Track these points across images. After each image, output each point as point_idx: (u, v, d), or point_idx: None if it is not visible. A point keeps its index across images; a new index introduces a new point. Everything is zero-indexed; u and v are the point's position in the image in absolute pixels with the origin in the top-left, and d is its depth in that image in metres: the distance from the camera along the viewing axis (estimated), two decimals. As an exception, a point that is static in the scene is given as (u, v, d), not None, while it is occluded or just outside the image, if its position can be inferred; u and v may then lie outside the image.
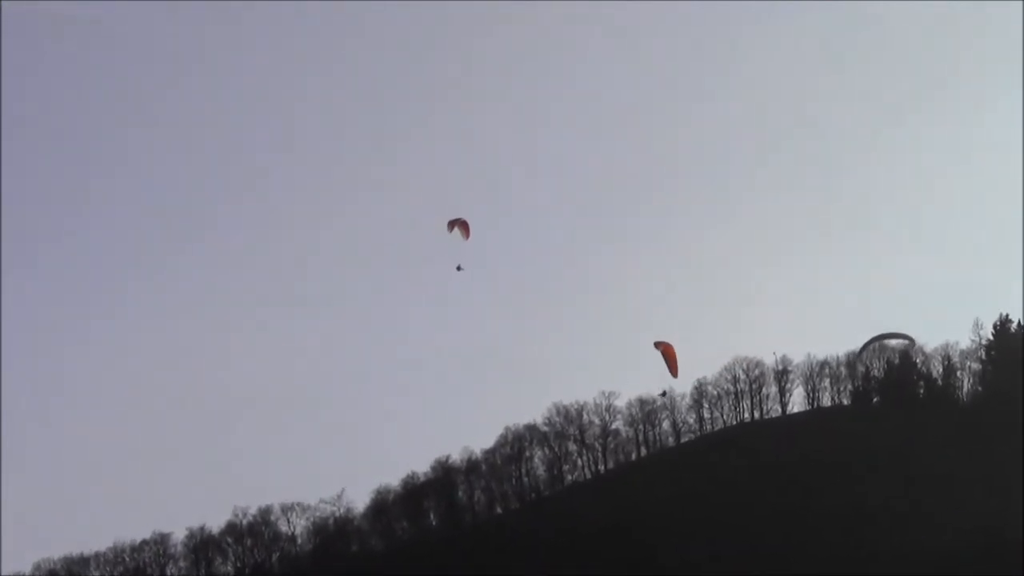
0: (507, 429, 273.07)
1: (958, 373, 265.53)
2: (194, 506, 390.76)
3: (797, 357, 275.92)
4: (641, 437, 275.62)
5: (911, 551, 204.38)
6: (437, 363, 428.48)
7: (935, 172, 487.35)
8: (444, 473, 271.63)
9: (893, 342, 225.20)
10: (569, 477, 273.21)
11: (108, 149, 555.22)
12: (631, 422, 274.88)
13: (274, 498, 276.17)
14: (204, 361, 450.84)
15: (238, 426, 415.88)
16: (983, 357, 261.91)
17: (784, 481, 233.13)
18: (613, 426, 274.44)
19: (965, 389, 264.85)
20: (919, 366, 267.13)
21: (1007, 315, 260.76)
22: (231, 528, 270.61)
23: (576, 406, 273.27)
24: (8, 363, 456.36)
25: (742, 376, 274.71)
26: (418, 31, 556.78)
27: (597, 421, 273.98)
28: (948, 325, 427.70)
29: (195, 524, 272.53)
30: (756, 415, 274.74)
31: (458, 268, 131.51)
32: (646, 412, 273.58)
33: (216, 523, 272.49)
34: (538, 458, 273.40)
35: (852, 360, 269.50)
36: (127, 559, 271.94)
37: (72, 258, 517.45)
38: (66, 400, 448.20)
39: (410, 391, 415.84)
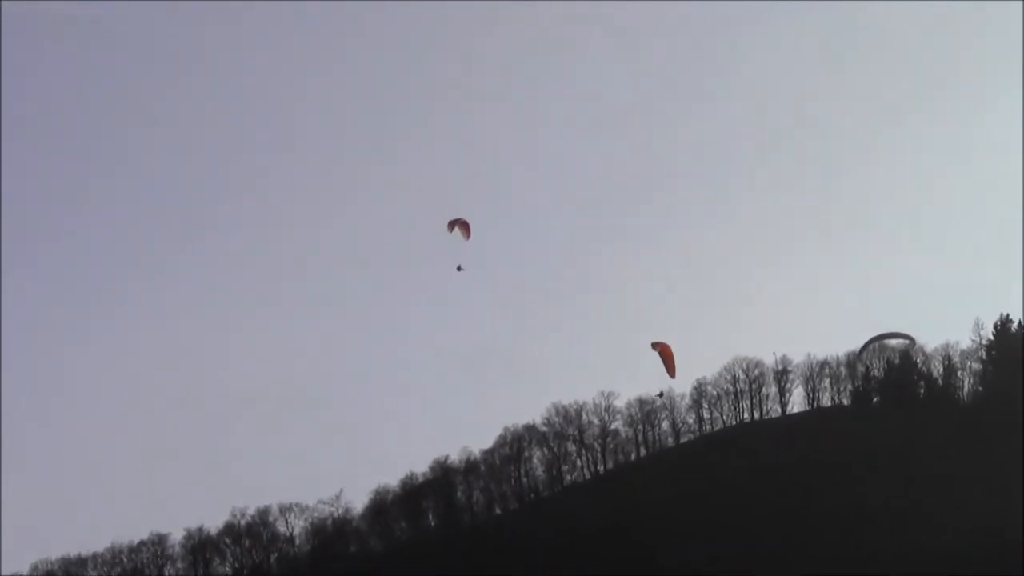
0: (506, 429, 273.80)
1: (959, 373, 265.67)
2: (192, 507, 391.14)
3: (797, 357, 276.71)
4: (640, 437, 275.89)
5: (911, 551, 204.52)
6: (436, 363, 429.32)
7: (935, 172, 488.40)
8: (443, 473, 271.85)
9: (893, 342, 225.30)
10: (568, 478, 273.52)
11: (108, 149, 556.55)
12: (630, 422, 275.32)
13: (272, 499, 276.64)
14: (202, 361, 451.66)
15: (236, 426, 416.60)
16: (983, 357, 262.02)
17: (784, 481, 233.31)
18: (612, 426, 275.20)
19: (966, 389, 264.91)
20: (919, 366, 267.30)
21: (1007, 315, 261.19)
22: (229, 529, 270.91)
23: (575, 406, 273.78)
24: (7, 363, 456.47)
25: (742, 376, 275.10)
26: (418, 31, 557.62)
27: (596, 421, 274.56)
28: (948, 325, 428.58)
29: (193, 525, 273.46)
30: (756, 415, 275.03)
31: (458, 268, 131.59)
32: (645, 412, 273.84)
33: (214, 524, 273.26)
34: (537, 458, 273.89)
35: (852, 360, 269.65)
36: (125, 560, 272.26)
37: (72, 258, 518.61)
38: (64, 400, 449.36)
39: (409, 391, 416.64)
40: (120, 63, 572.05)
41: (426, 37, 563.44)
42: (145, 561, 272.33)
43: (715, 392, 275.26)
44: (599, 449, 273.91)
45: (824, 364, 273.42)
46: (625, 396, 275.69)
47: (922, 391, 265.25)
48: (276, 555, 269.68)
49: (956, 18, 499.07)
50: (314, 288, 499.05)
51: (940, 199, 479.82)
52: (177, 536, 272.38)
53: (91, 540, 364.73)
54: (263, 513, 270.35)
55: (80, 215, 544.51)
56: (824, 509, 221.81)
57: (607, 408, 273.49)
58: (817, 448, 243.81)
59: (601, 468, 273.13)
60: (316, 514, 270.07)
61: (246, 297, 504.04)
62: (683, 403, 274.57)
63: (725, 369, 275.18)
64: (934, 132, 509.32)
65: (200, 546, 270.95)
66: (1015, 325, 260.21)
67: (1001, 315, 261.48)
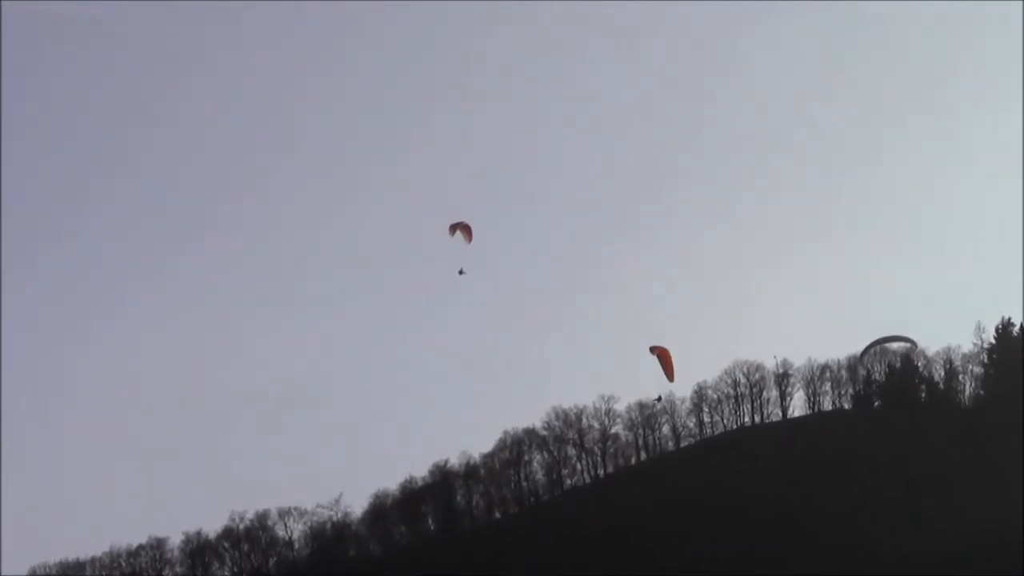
0: (506, 433, 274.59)
1: (960, 377, 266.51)
2: (191, 511, 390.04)
3: (798, 360, 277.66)
4: (641, 441, 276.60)
5: (910, 551, 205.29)
6: (435, 366, 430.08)
7: (936, 173, 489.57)
8: (442, 478, 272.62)
9: (895, 345, 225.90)
10: (568, 482, 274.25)
11: (108, 149, 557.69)
12: (631, 426, 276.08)
13: (271, 503, 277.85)
14: (200, 364, 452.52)
15: (235, 429, 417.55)
16: (985, 361, 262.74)
17: (784, 483, 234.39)
18: (612, 430, 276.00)
19: (967, 393, 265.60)
20: (921, 370, 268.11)
21: (1009, 318, 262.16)
22: (228, 533, 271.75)
23: (575, 410, 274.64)
24: (7, 363, 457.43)
25: (742, 380, 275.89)
26: (418, 31, 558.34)
27: (596, 425, 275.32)
28: (950, 328, 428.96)
29: (192, 529, 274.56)
30: (757, 419, 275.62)
31: (460, 272, 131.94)
32: (646, 416, 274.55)
33: (213, 528, 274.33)
34: (537, 462, 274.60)
35: (853, 364, 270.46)
36: (123, 564, 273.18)
37: (72, 258, 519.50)
38: (62, 402, 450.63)
39: (408, 395, 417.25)
40: (120, 63, 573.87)
41: (426, 37, 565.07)
42: (144, 565, 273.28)
43: (716, 396, 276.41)
44: (599, 453, 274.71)
45: (825, 368, 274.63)
46: (625, 400, 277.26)
47: (923, 395, 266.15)
48: (275, 559, 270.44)
49: (956, 18, 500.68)
50: (314, 290, 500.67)
51: (941, 201, 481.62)
52: (176, 540, 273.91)
53: (90, 544, 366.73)
54: (262, 517, 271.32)
55: (80, 215, 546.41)
56: (824, 510, 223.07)
57: (607, 412, 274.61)
58: (818, 451, 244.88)
59: (601, 472, 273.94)
60: (315, 518, 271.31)
61: (246, 298, 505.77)
62: (683, 407, 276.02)
63: (726, 373, 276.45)
64: (934, 132, 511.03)
65: (199, 550, 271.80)
66: (1016, 328, 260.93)
67: (1003, 318, 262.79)
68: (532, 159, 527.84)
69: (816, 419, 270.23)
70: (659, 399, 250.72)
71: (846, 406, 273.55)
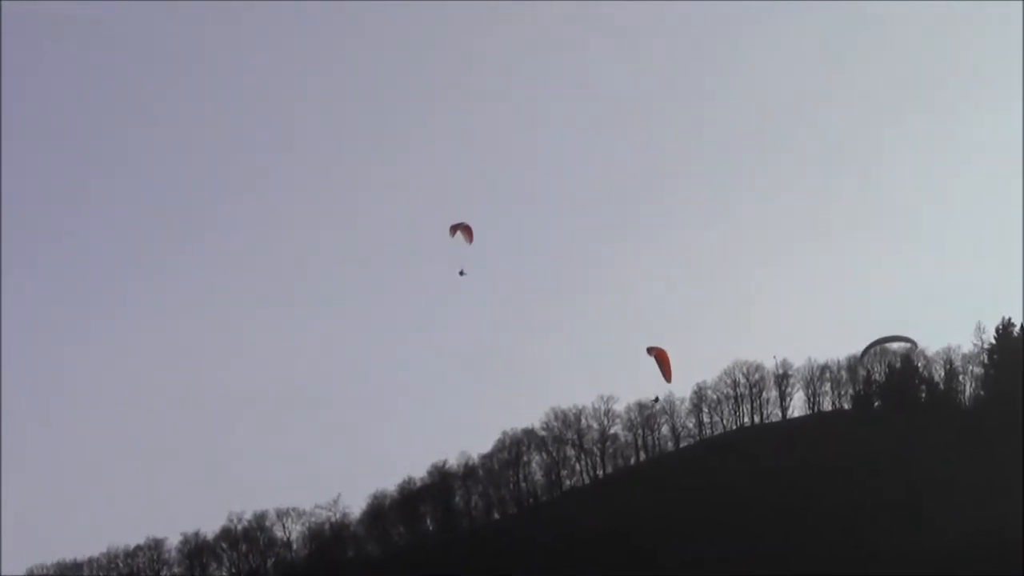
0: (504, 434, 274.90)
1: (960, 377, 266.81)
2: (189, 511, 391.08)
3: (798, 361, 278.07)
4: (640, 442, 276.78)
5: (910, 552, 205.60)
6: (434, 367, 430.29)
7: (936, 173, 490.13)
8: (441, 478, 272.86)
9: (895, 345, 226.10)
10: (567, 482, 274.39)
11: (108, 149, 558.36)
12: (630, 427, 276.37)
13: (269, 503, 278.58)
14: (199, 364, 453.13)
15: (233, 430, 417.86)
16: (985, 361, 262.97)
17: (784, 485, 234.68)
18: (612, 431, 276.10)
19: (967, 393, 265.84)
20: (920, 370, 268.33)
21: (1009, 319, 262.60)
22: (226, 533, 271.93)
23: (574, 410, 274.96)
24: (6, 363, 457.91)
25: (742, 380, 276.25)
26: (418, 31, 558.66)
27: (595, 426, 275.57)
28: (950, 329, 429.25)
29: (189, 529, 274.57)
30: (756, 420, 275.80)
31: (461, 273, 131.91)
32: (645, 417, 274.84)
33: (211, 528, 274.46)
34: (536, 463, 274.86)
35: (853, 364, 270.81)
36: (121, 564, 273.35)
37: (72, 258, 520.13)
38: (60, 402, 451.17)
39: (407, 395, 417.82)
40: (120, 63, 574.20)
41: (426, 37, 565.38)
42: (141, 566, 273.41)
43: (715, 396, 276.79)
44: (598, 454, 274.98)
45: (825, 368, 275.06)
46: (624, 400, 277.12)
47: (923, 395, 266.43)
48: (273, 560, 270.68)
49: (956, 18, 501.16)
50: (314, 290, 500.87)
51: (941, 201, 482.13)
52: (173, 540, 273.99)
53: (87, 544, 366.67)
54: (260, 517, 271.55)
55: (80, 215, 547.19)
56: (824, 511, 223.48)
57: (606, 412, 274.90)
58: (818, 452, 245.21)
59: (600, 473, 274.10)
60: (313, 519, 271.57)
61: (246, 298, 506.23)
62: (683, 407, 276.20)
63: (725, 373, 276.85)
64: (934, 132, 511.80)
65: (196, 551, 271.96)
66: (1017, 329, 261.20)
67: (1003, 319, 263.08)
68: (532, 159, 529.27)
69: (816, 420, 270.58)
70: (656, 400, 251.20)
71: (846, 407, 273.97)
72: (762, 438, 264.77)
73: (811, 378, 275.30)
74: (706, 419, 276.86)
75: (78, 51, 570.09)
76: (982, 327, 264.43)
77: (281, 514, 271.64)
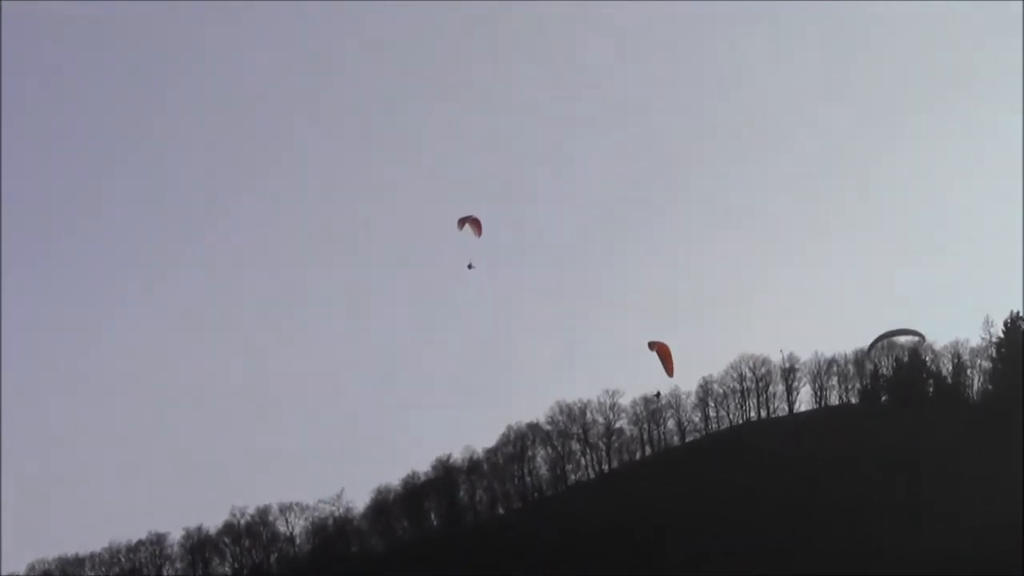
0: (509, 428, 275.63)
1: (968, 371, 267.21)
2: (191, 506, 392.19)
3: (804, 355, 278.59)
4: (645, 436, 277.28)
5: (916, 549, 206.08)
6: (438, 360, 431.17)
7: (943, 167, 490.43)
8: (445, 472, 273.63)
9: (903, 339, 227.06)
10: (572, 477, 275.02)
11: (108, 149, 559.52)
12: (635, 421, 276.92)
13: (272, 498, 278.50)
14: (202, 359, 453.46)
15: (236, 424, 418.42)
16: (993, 355, 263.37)
17: (791, 480, 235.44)
18: (617, 425, 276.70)
19: (975, 387, 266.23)
20: (928, 364, 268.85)
21: (1018, 312, 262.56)
22: (228, 528, 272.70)
23: (580, 404, 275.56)
24: (6, 363, 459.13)
25: (748, 374, 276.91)
26: (418, 31, 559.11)
27: (601, 420, 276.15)
28: (958, 322, 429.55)
29: (192, 524, 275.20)
30: (763, 414, 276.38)
31: (469, 266, 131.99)
32: (650, 411, 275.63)
33: (213, 523, 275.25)
34: (541, 457, 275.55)
35: (861, 358, 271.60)
36: (123, 560, 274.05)
37: (72, 258, 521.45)
38: (62, 398, 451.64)
39: (411, 389, 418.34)
40: (120, 63, 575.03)
41: (426, 37, 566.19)
42: (143, 561, 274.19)
43: (721, 390, 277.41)
44: (604, 448, 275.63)
45: (832, 362, 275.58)
46: (630, 394, 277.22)
47: (931, 389, 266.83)
48: (276, 555, 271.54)
49: (956, 18, 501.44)
50: (315, 285, 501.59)
51: (949, 194, 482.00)
52: (176, 536, 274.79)
53: (89, 539, 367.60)
54: (263, 512, 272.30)
55: (80, 215, 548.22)
56: (831, 506, 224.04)
57: (612, 406, 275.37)
58: (824, 446, 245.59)
59: (606, 467, 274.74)
60: (317, 513, 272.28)
61: (246, 296, 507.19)
62: (689, 401, 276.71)
63: (731, 367, 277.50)
64: (939, 127, 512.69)
65: (199, 546, 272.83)
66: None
67: (1011, 313, 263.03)
68: (537, 158, 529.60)
69: (823, 414, 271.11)
70: (658, 395, 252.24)
71: (853, 401, 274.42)
72: (768, 432, 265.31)
73: (818, 372, 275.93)
74: (712, 413, 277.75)
75: (78, 51, 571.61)
76: (990, 321, 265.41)
77: (284, 509, 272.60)
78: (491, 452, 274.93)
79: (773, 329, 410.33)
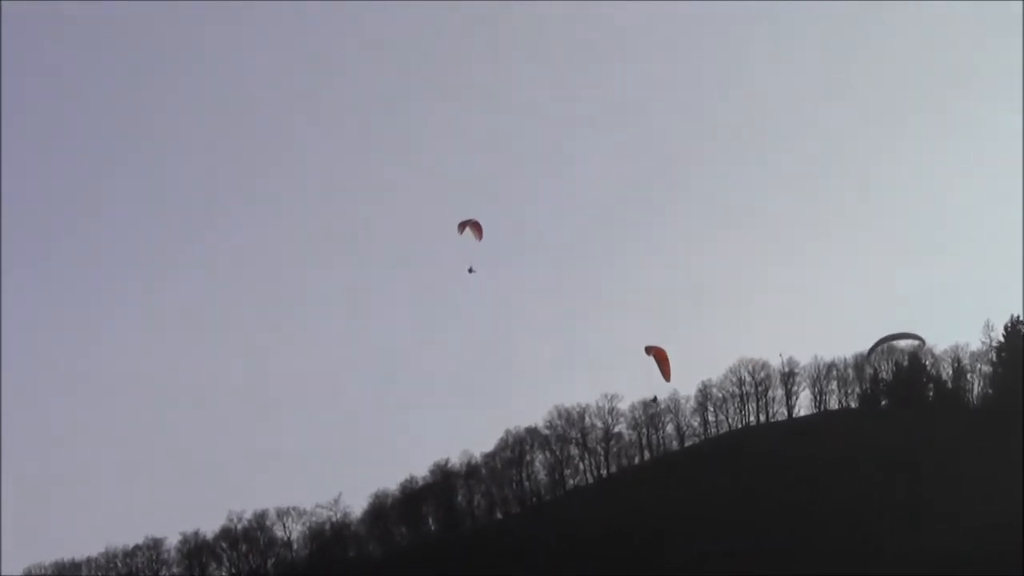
0: (507, 432, 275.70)
1: (968, 375, 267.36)
2: (188, 510, 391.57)
3: (804, 359, 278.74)
4: (644, 441, 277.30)
5: (912, 551, 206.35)
6: (437, 364, 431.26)
7: (943, 167, 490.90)
8: (443, 477, 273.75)
9: (903, 343, 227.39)
10: (571, 481, 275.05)
11: (108, 149, 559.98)
12: (634, 425, 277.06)
13: (269, 502, 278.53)
14: (199, 363, 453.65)
15: (233, 428, 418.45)
16: (994, 359, 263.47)
17: (791, 480, 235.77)
18: (616, 429, 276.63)
19: (975, 392, 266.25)
20: (928, 368, 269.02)
21: (1018, 316, 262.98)
22: (225, 533, 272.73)
23: (578, 409, 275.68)
24: (4, 363, 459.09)
25: (747, 378, 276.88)
26: (418, 31, 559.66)
27: (600, 424, 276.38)
28: (958, 326, 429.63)
29: (189, 529, 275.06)
30: (762, 418, 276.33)
31: (470, 270, 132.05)
32: (649, 415, 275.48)
33: (210, 528, 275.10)
34: (539, 462, 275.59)
35: (860, 362, 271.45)
36: (119, 564, 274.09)
37: (72, 258, 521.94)
38: (59, 401, 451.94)
39: (409, 393, 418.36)
40: (120, 63, 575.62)
41: (426, 37, 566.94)
42: (140, 566, 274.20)
43: (720, 394, 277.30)
44: (602, 453, 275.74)
45: (831, 366, 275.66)
46: (629, 399, 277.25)
47: (931, 393, 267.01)
48: (273, 560, 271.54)
49: (956, 18, 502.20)
50: (313, 289, 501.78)
51: (949, 197, 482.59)
52: (173, 540, 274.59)
53: (85, 544, 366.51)
54: (260, 517, 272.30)
55: (80, 215, 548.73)
56: (831, 505, 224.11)
57: (610, 411, 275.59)
58: (824, 450, 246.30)
59: (604, 472, 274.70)
60: (314, 518, 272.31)
61: (246, 296, 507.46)
62: (688, 406, 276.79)
63: (730, 371, 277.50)
64: (939, 127, 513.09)
65: (196, 550, 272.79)
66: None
67: (1012, 316, 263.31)
68: (535, 160, 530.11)
69: (822, 418, 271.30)
70: (655, 399, 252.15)
71: (853, 405, 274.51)
72: (768, 436, 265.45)
73: (818, 376, 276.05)
74: (711, 418, 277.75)
75: (78, 51, 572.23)
76: (991, 325, 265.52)
77: (281, 513, 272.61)
78: (489, 457, 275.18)
79: (772, 332, 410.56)
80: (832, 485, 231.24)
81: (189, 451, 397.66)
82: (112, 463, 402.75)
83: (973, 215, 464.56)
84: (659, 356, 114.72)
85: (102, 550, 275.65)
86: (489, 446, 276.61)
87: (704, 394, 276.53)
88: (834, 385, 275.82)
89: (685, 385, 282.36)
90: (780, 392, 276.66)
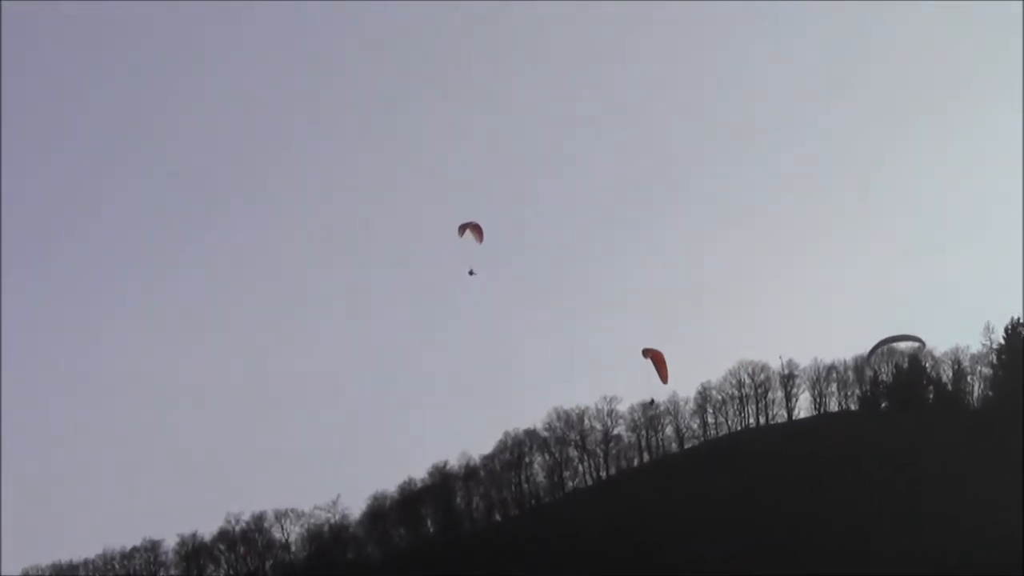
0: (506, 434, 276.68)
1: (968, 377, 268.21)
2: (186, 512, 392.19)
3: (803, 361, 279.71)
4: (643, 443, 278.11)
5: (912, 551, 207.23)
6: (435, 366, 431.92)
7: (943, 168, 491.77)
8: (442, 479, 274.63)
9: (903, 345, 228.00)
10: (570, 483, 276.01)
11: (108, 149, 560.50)
12: (633, 427, 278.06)
13: (268, 504, 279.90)
14: (198, 363, 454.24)
15: (231, 430, 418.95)
16: (994, 361, 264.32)
17: (791, 480, 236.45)
18: (615, 431, 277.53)
19: (975, 394, 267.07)
20: (928, 370, 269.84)
21: (1018, 319, 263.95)
22: (224, 535, 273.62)
23: (577, 411, 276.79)
24: (4, 363, 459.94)
25: (747, 380, 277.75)
26: (418, 31, 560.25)
27: (599, 426, 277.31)
28: (958, 328, 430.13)
29: (187, 531, 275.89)
30: (761, 420, 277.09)
31: (470, 273, 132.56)
32: (648, 417, 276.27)
33: (208, 530, 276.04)
34: (538, 464, 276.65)
35: (860, 364, 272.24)
36: (117, 566, 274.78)
37: (72, 258, 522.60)
38: (56, 403, 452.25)
39: (407, 395, 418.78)
40: (120, 63, 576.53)
41: (426, 37, 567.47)
42: (138, 568, 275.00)
43: (720, 397, 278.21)
44: (601, 455, 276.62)
45: (831, 368, 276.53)
46: (628, 401, 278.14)
47: (931, 395, 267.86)
48: (271, 562, 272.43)
49: (956, 18, 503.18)
50: (313, 289, 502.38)
51: (949, 199, 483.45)
52: (170, 542, 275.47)
53: (83, 546, 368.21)
54: (258, 519, 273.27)
55: (80, 215, 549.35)
56: (831, 506, 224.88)
57: (610, 413, 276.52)
58: (824, 452, 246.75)
59: (603, 474, 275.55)
60: (312, 520, 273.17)
61: (245, 298, 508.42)
62: (687, 408, 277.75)
63: (730, 373, 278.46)
64: (939, 127, 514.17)
65: (194, 552, 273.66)
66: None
67: (1012, 319, 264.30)
68: (534, 162, 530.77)
69: (822, 420, 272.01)
70: (652, 402, 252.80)
71: (853, 407, 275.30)
72: (767, 437, 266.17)
73: (817, 378, 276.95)
74: (711, 420, 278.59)
75: (78, 51, 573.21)
76: (991, 327, 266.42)
77: (280, 515, 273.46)
78: (488, 459, 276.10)
79: (772, 333, 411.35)
80: (832, 486, 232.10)
81: (187, 452, 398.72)
82: (110, 464, 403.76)
83: (973, 215, 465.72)
84: (656, 359, 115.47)
85: (100, 552, 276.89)
86: (488, 448, 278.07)
87: (703, 396, 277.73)
88: (834, 387, 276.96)
89: (684, 387, 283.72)
90: (780, 394, 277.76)
